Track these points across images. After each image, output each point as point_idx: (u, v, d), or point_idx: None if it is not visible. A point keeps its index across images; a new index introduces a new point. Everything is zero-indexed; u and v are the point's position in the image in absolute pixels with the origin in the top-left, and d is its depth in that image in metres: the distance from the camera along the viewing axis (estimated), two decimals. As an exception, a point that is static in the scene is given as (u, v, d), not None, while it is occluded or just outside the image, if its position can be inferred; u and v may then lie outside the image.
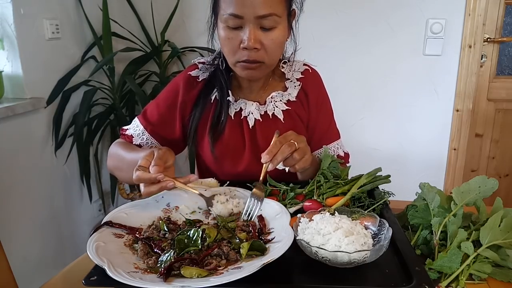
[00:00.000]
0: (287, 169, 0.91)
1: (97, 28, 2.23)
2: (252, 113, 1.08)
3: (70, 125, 2.12)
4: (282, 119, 1.08)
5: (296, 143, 0.87)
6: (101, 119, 2.23)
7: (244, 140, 1.10)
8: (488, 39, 2.37)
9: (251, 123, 1.08)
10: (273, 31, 0.93)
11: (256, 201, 0.83)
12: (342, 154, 1.16)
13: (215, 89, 1.09)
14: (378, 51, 2.44)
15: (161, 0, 2.46)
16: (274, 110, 1.09)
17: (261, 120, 1.08)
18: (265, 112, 1.09)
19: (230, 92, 1.07)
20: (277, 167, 0.87)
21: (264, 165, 0.86)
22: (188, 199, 0.86)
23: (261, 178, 0.87)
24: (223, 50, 0.99)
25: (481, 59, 2.40)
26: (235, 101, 1.09)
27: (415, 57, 2.42)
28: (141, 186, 0.80)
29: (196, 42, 2.52)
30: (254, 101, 1.09)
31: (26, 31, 1.85)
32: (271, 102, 1.09)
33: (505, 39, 2.38)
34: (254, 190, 0.85)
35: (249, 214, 0.82)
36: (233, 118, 1.09)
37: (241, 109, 1.09)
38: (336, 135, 1.17)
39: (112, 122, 2.25)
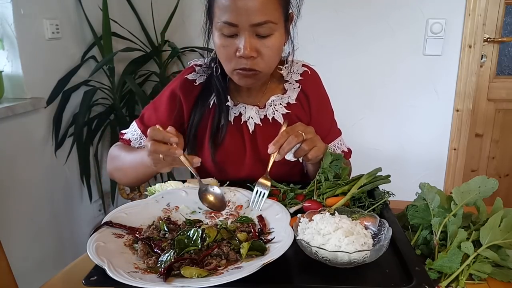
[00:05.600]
0: (300, 159, 0.92)
1: (97, 28, 2.23)
2: (252, 118, 1.07)
3: (70, 125, 2.12)
4: (282, 123, 1.06)
5: (304, 134, 0.87)
6: (101, 119, 2.23)
7: (245, 146, 1.08)
8: (488, 39, 2.37)
9: (251, 128, 1.07)
10: (269, 38, 0.91)
11: (262, 190, 0.84)
12: (346, 149, 1.16)
13: (213, 94, 1.07)
14: (378, 51, 2.44)
15: (161, 0, 2.46)
16: (274, 114, 1.07)
17: (261, 124, 1.07)
18: (265, 116, 1.07)
19: (228, 97, 1.06)
20: (286, 158, 0.88)
21: (272, 155, 0.86)
22: (188, 199, 0.86)
23: (268, 168, 0.88)
24: (219, 57, 0.98)
25: (481, 59, 2.40)
26: (234, 105, 1.08)
27: (415, 57, 2.42)
28: (148, 142, 0.81)
29: (196, 42, 2.52)
30: (254, 105, 1.08)
31: (26, 31, 1.85)
32: (271, 106, 1.07)
33: (505, 39, 2.38)
34: (260, 179, 0.86)
35: (256, 203, 0.83)
36: (232, 123, 1.07)
37: (240, 114, 1.08)
38: (338, 133, 1.16)
39: (112, 122, 2.25)
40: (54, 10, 2.01)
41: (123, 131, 1.13)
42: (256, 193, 0.85)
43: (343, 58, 2.48)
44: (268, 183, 0.86)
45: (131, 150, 1.04)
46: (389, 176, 0.95)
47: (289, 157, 0.89)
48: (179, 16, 2.46)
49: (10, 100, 1.82)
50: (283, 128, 0.91)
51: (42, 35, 1.95)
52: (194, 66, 1.11)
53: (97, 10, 2.24)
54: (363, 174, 0.94)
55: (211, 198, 0.84)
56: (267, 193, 0.84)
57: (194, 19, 2.51)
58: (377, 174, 0.94)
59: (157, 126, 0.84)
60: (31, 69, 1.88)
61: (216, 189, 0.85)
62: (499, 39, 2.37)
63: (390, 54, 2.44)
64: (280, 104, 1.08)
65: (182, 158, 0.81)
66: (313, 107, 1.10)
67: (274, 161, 0.86)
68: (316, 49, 2.45)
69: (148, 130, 0.83)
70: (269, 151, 0.85)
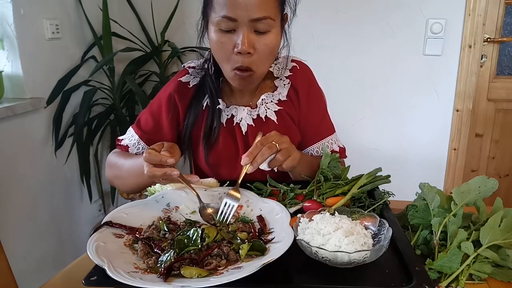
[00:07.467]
0: (275, 169, 0.90)
1: (97, 28, 2.23)
2: (244, 119, 1.06)
3: (70, 125, 2.12)
4: (275, 120, 1.06)
5: (277, 144, 0.86)
6: (101, 119, 2.23)
7: (238, 147, 1.08)
8: (488, 39, 2.37)
9: (243, 129, 1.06)
10: (267, 35, 0.91)
11: (230, 203, 0.82)
12: (337, 148, 1.13)
13: (207, 95, 1.07)
14: (378, 51, 2.44)
15: (161, 0, 2.46)
16: (266, 112, 1.06)
17: (253, 125, 1.06)
18: (258, 115, 1.07)
19: (220, 100, 1.05)
20: (261, 168, 0.86)
21: (244, 167, 0.84)
22: (188, 199, 0.86)
23: (239, 180, 0.86)
24: (215, 55, 0.97)
25: (481, 59, 2.40)
26: (227, 107, 1.07)
27: (415, 57, 2.42)
28: (145, 166, 0.81)
29: (196, 42, 2.51)
30: (246, 106, 1.07)
31: (26, 31, 1.85)
32: (262, 104, 1.07)
33: (505, 39, 2.38)
34: (229, 191, 0.84)
35: (224, 215, 0.81)
36: (225, 125, 1.07)
37: (232, 116, 1.07)
38: (330, 130, 1.14)
39: (112, 122, 2.25)
40: (54, 10, 2.02)
41: (120, 137, 1.12)
42: (225, 205, 0.82)
43: (343, 58, 2.48)
44: (238, 195, 0.83)
45: (129, 158, 1.03)
46: (389, 176, 0.95)
47: (263, 166, 0.87)
48: (179, 16, 2.46)
49: (10, 100, 1.82)
50: (258, 138, 0.89)
51: (42, 35, 1.95)
52: (187, 68, 1.11)
53: (97, 10, 2.24)
54: (363, 174, 0.94)
55: (210, 213, 0.83)
56: (236, 205, 0.82)
57: (194, 19, 2.46)
58: (377, 174, 0.94)
59: (153, 149, 0.82)
60: (31, 69, 1.88)
61: (214, 205, 0.84)
62: (499, 39, 2.37)
63: (390, 54, 2.44)
64: (272, 101, 1.07)
65: (181, 177, 0.81)
66: (302, 101, 1.09)
67: (246, 173, 0.84)
68: (316, 49, 2.45)
69: (144, 153, 0.81)
70: (242, 162, 0.83)
